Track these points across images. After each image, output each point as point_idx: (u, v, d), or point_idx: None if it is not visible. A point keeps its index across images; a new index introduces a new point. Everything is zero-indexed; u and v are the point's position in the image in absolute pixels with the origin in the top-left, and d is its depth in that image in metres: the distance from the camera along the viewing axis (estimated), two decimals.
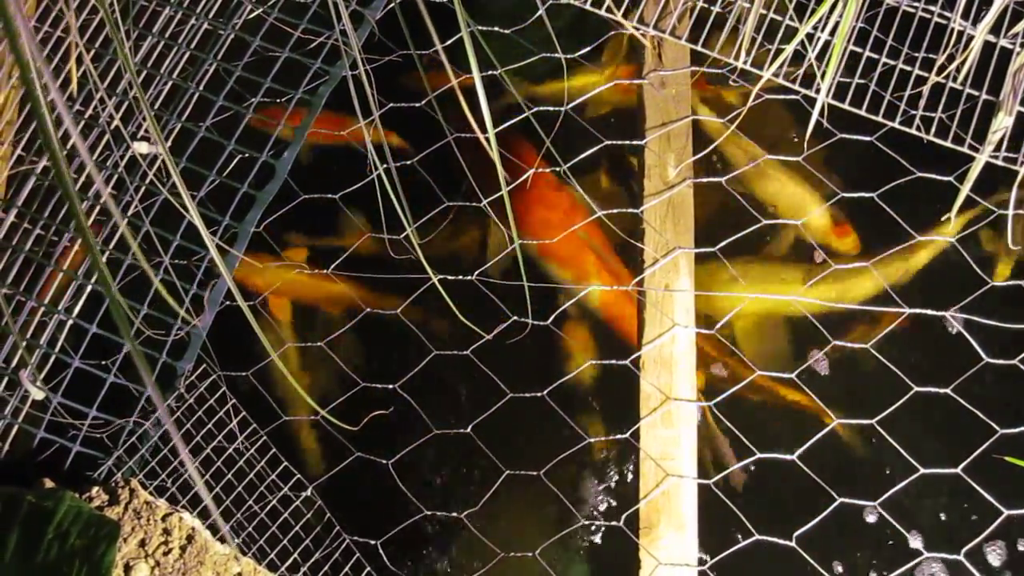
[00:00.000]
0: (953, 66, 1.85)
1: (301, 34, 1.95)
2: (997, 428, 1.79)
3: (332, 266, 1.90)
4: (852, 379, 2.00)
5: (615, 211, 1.95)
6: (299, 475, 1.80)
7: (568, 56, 1.98)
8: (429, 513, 1.80)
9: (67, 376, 1.81)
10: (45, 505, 1.58)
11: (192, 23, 1.99)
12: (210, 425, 1.81)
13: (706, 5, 1.99)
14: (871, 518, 1.88)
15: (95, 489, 1.73)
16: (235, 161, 1.90)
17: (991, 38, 1.93)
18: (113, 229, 1.88)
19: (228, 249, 1.85)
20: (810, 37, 1.83)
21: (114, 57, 1.94)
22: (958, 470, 1.78)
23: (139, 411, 1.80)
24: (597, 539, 1.90)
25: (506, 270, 1.97)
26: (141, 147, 1.86)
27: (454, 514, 1.83)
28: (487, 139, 1.25)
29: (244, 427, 1.81)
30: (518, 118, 1.88)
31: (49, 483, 1.72)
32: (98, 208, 1.90)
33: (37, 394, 1.79)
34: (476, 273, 1.91)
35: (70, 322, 1.83)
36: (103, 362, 1.81)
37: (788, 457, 1.79)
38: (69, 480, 1.76)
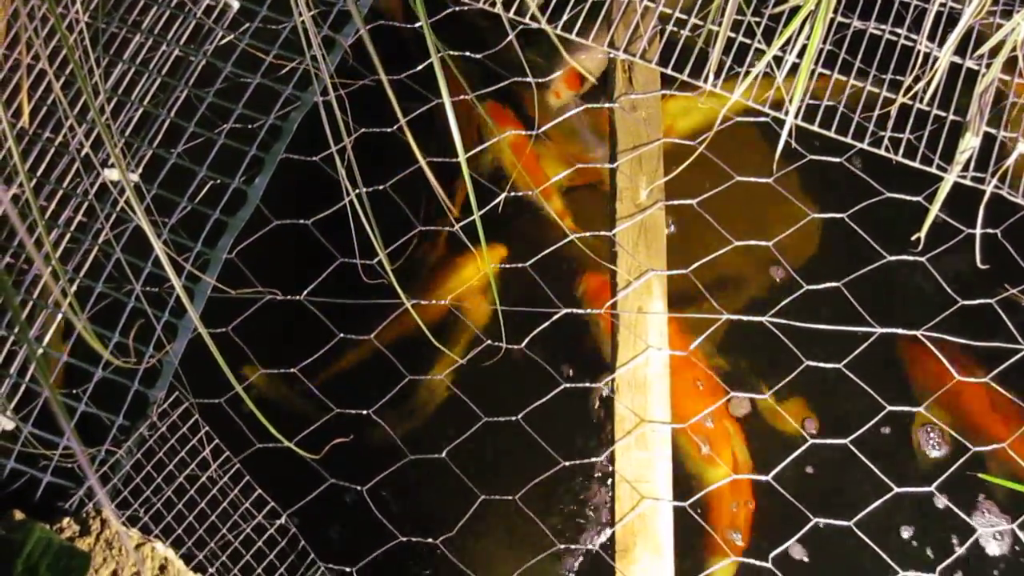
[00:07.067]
0: (919, 86, 1.87)
1: (273, 60, 1.95)
2: (970, 446, 1.81)
3: (304, 292, 1.89)
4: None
5: (588, 234, 1.95)
6: (273, 503, 1.78)
7: (539, 80, 1.99)
8: (404, 539, 1.79)
9: (37, 405, 1.80)
10: (14, 538, 1.56)
11: (163, 50, 1.98)
12: (183, 453, 1.79)
13: (676, 29, 2.01)
14: (849, 537, 1.89)
15: (66, 520, 1.71)
16: (207, 188, 1.90)
17: (957, 59, 1.95)
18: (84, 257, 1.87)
19: (201, 276, 1.84)
20: (778, 60, 1.84)
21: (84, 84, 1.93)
22: (931, 488, 1.79)
23: (111, 440, 1.79)
24: (573, 563, 1.89)
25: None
26: (112, 174, 1.85)
27: (429, 540, 1.82)
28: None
29: (218, 455, 1.80)
30: (488, 143, 1.89)
31: (19, 515, 1.70)
32: (68, 236, 1.89)
33: (7, 424, 1.77)
34: (450, 297, 1.91)
35: (40, 351, 1.81)
36: (74, 391, 1.79)
37: (763, 478, 1.80)
38: (40, 511, 1.74)
